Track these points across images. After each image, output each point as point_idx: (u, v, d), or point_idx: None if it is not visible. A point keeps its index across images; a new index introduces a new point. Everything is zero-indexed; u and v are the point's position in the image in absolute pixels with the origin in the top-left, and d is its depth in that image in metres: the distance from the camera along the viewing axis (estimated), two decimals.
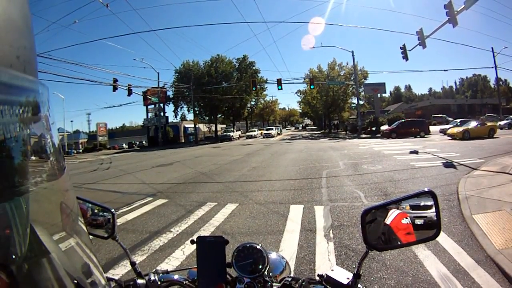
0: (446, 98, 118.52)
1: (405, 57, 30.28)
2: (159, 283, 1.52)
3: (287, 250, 5.58)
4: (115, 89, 42.15)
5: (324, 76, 60.79)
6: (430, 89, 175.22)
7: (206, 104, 65.72)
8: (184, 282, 1.56)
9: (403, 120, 42.13)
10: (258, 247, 1.57)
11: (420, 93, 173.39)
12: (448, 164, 14.21)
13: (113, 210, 1.67)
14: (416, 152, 19.87)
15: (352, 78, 56.36)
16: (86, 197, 1.67)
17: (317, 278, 1.49)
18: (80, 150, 71.32)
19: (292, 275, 1.74)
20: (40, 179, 0.66)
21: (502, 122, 43.27)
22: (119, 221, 7.83)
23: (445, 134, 34.98)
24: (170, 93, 66.99)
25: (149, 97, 59.92)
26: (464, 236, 5.90)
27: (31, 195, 0.61)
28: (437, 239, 1.42)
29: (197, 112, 68.23)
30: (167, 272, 1.60)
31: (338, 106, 66.20)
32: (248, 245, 1.58)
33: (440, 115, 67.59)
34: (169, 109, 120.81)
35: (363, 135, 45.78)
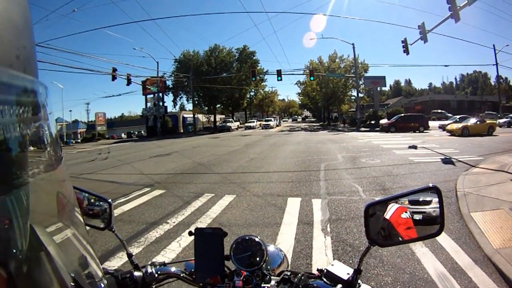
0: (446, 94, 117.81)
1: (406, 51, 30.19)
2: (156, 275, 1.51)
3: (284, 243, 5.56)
4: (114, 78, 41.85)
5: (325, 68, 60.82)
6: (430, 84, 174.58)
7: (205, 94, 65.48)
8: (181, 275, 1.55)
9: (403, 115, 42.01)
10: (257, 239, 1.56)
11: (420, 87, 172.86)
12: (447, 160, 14.14)
13: (110, 200, 1.64)
14: (415, 147, 19.84)
15: (352, 71, 56.44)
16: (84, 187, 1.64)
17: (317, 272, 1.47)
18: (79, 140, 70.88)
19: (289, 268, 1.75)
20: (37, 170, 0.65)
21: (501, 120, 43.16)
22: (116, 212, 7.78)
23: (444, 130, 34.88)
24: (169, 83, 67.02)
25: (148, 87, 59.47)
26: (462, 234, 5.88)
27: (30, 189, 0.61)
28: None
29: (196, 102, 68.08)
30: (164, 264, 1.59)
31: (338, 99, 66.21)
32: (247, 238, 1.57)
33: (439, 111, 67.35)
34: (168, 99, 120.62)
35: (362, 128, 45.69)
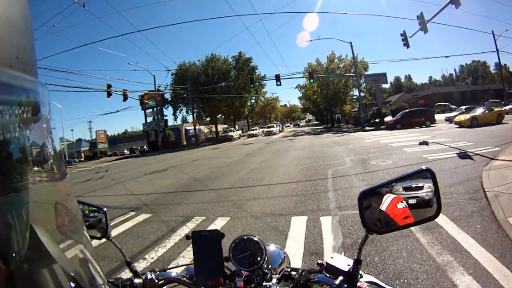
0: (447, 86, 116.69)
1: (406, 44, 29.56)
2: (156, 281, 1.49)
3: None
4: (109, 95, 41.01)
5: (324, 70, 59.32)
6: (430, 77, 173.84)
7: (205, 104, 64.21)
8: (182, 279, 1.53)
9: (407, 110, 40.80)
10: (255, 239, 1.55)
11: (420, 82, 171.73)
12: (463, 155, 12.92)
13: (105, 209, 1.65)
14: (426, 143, 18.55)
15: (352, 70, 55.10)
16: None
17: (317, 267, 1.43)
18: (82, 159, 70.56)
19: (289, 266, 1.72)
20: (40, 179, 0.67)
21: (507, 107, 41.53)
22: (93, 243, 6.38)
23: (451, 122, 34.03)
24: (168, 96, 66.15)
25: (146, 101, 58.18)
26: (506, 249, 4.62)
27: (31, 196, 0.62)
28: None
29: (197, 113, 67.09)
30: (164, 270, 1.58)
31: (340, 99, 64.65)
32: (245, 238, 1.56)
33: (443, 103, 66.29)
34: (169, 112, 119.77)
35: (367, 128, 44.29)
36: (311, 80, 46.77)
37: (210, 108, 64.78)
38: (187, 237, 1.49)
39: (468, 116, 29.71)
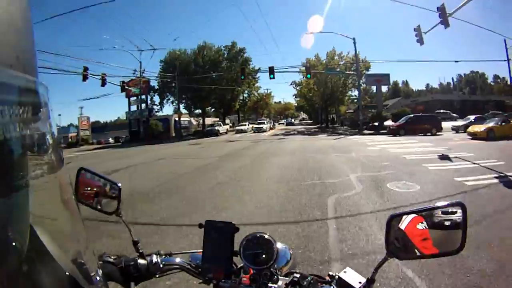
0: (445, 94, 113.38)
1: (420, 41, 25.89)
2: (161, 265, 1.46)
3: None
4: (85, 78, 36.61)
5: (323, 66, 54.19)
6: (428, 84, 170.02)
7: (193, 95, 59.68)
8: (187, 267, 1.49)
9: (412, 116, 36.80)
10: (267, 237, 1.46)
11: (417, 88, 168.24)
12: (507, 181, 9.63)
13: (119, 184, 1.58)
14: (448, 158, 14.73)
15: (353, 68, 50.53)
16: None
17: (327, 277, 1.39)
18: (64, 145, 66.05)
19: (297, 268, 1.68)
20: (38, 171, 0.68)
21: None
22: None
23: (458, 131, 32.71)
24: (155, 84, 61.92)
25: (128, 88, 53.10)
26: None
27: (29, 190, 0.63)
28: None
29: (185, 104, 63.04)
30: (170, 254, 1.52)
31: (337, 99, 60.36)
32: (258, 235, 1.46)
33: (444, 111, 62.53)
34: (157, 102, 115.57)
35: (366, 131, 40.20)
36: (308, 76, 42.42)
37: (199, 100, 60.43)
38: (200, 225, 1.46)
39: (483, 127, 26.67)
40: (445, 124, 35.95)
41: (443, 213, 1.24)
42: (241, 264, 1.42)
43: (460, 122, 35.80)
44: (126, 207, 7.53)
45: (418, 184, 9.37)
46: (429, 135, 31.24)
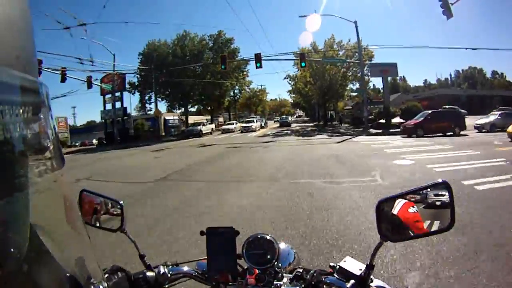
0: (447, 88, 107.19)
1: (447, 13, 21.53)
2: (168, 275, 1.49)
3: None
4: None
5: (320, 55, 46.83)
6: (425, 80, 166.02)
7: (174, 91, 52.97)
8: (194, 274, 1.53)
9: (431, 111, 29.42)
10: (269, 237, 1.52)
11: (414, 84, 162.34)
12: None
13: (121, 202, 1.60)
14: None
15: (354, 58, 43.09)
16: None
17: (329, 269, 1.42)
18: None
19: (301, 265, 1.65)
20: (38, 171, 0.67)
21: None
22: None
23: (481, 131, 27.60)
24: (135, 80, 54.83)
25: (98, 85, 45.92)
26: None
27: (30, 190, 0.62)
28: None
29: (166, 101, 57.22)
30: (176, 264, 1.56)
31: (336, 93, 52.38)
32: (259, 236, 1.53)
33: (450, 107, 55.67)
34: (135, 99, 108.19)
35: (372, 130, 33.31)
36: (303, 64, 34.40)
37: (180, 96, 53.73)
38: (201, 232, 1.48)
39: None
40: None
41: (434, 195, 1.27)
42: (246, 266, 1.44)
43: (483, 120, 29.41)
44: None
45: None
46: (450, 135, 25.79)
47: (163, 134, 52.91)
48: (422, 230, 1.28)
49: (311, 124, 65.62)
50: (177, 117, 57.37)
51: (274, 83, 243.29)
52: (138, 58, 54.38)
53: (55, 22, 31.73)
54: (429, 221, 1.29)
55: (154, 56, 48.76)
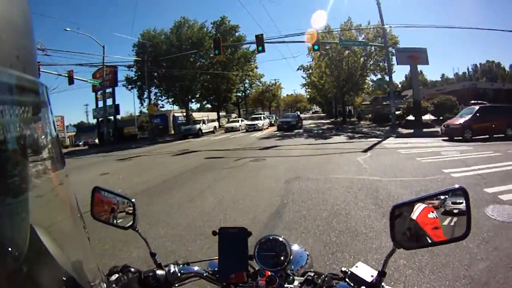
0: (470, 82, 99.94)
1: None
2: (179, 274, 1.45)
3: None
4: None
5: (336, 39, 39.13)
6: (443, 75, 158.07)
7: (170, 85, 47.15)
8: (204, 274, 1.48)
9: (482, 106, 22.41)
10: (281, 239, 1.48)
11: (431, 79, 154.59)
12: None
13: (133, 200, 1.58)
14: None
15: (378, 42, 35.65)
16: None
17: (341, 274, 1.37)
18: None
19: (313, 268, 1.62)
20: (38, 171, 0.67)
21: None
22: None
23: None
24: (133, 74, 48.91)
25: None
26: None
27: (30, 191, 0.63)
28: None
29: (166, 97, 51.29)
30: (187, 263, 1.54)
31: (356, 85, 45.12)
32: (271, 238, 1.49)
33: (481, 102, 48.21)
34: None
35: (402, 130, 26.54)
36: (315, 47, 27.63)
37: (180, 90, 47.83)
38: (213, 232, 1.44)
39: None
40: None
41: (452, 202, 1.21)
42: (257, 267, 1.41)
43: None
44: None
45: None
46: (502, 138, 19.57)
47: (172, 132, 50.29)
48: (440, 238, 1.20)
49: (327, 121, 58.60)
50: (181, 114, 54.13)
51: (290, 78, 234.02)
52: (133, 50, 48.39)
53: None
54: (445, 227, 1.20)
55: (147, 46, 42.85)
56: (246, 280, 1.34)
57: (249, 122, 42.64)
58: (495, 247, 4.68)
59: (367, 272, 1.29)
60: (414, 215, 1.22)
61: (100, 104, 44.91)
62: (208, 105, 64.76)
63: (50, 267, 0.64)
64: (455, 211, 1.19)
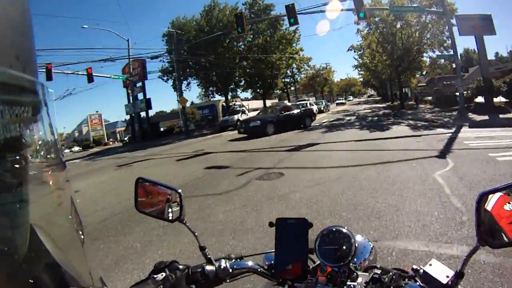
0: None
1: None
2: (230, 270, 1.32)
3: None
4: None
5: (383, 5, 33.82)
6: (497, 53, 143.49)
7: (204, 74, 44.44)
8: (259, 269, 1.35)
9: None
10: (345, 230, 1.33)
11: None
12: None
13: (179, 190, 1.44)
14: None
15: (434, 8, 29.23)
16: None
17: (411, 271, 1.22)
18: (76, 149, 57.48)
19: (377, 262, 1.51)
20: (37, 171, 0.68)
21: None
22: None
23: None
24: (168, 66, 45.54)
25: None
26: None
27: (30, 191, 0.63)
28: None
29: (204, 85, 49.34)
30: (241, 257, 1.39)
31: (414, 61, 39.21)
32: (334, 229, 1.34)
33: None
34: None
35: (472, 115, 21.08)
36: (361, 14, 22.32)
37: (218, 78, 44.93)
38: (270, 224, 1.33)
39: None
40: None
41: None
42: (317, 262, 1.30)
43: None
44: None
45: None
46: None
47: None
48: None
49: (383, 105, 52.74)
50: (238, 103, 51.26)
51: (341, 61, 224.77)
52: (163, 40, 45.74)
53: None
54: None
55: (174, 34, 39.29)
56: (305, 277, 1.21)
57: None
58: None
59: (442, 272, 1.13)
60: (488, 206, 1.02)
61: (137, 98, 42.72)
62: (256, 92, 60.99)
63: (50, 267, 0.64)
64: None
